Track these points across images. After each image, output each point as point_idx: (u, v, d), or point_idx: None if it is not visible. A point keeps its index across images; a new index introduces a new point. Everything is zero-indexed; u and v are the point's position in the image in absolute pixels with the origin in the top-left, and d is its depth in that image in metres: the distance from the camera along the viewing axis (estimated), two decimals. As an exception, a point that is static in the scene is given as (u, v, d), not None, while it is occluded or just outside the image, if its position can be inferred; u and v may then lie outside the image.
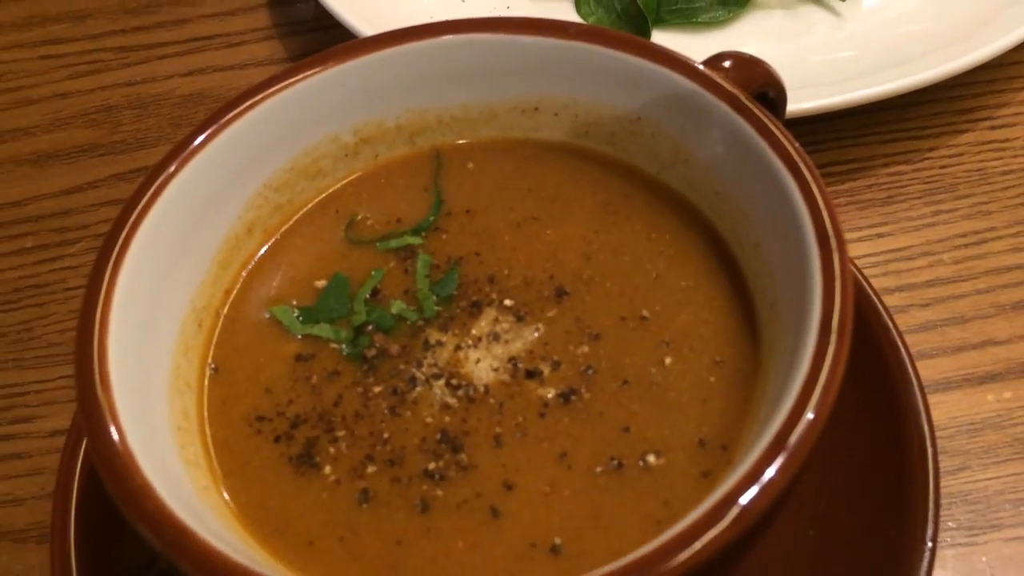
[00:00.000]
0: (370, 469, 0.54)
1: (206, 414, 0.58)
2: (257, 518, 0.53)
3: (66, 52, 1.10)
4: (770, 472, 0.44)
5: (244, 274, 0.63)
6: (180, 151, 0.59)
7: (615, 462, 0.53)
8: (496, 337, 0.59)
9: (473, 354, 0.58)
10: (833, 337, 0.48)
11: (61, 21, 1.13)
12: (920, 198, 0.88)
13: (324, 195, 0.67)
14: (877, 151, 0.92)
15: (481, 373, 0.57)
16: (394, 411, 0.56)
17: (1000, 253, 0.84)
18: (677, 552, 0.43)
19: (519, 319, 0.59)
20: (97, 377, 0.50)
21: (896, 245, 0.85)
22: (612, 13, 1.01)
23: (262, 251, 0.64)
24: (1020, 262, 0.83)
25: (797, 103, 0.84)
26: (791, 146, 0.55)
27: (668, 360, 0.57)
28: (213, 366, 0.60)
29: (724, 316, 0.58)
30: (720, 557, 0.44)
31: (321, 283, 0.63)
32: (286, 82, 0.62)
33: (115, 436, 0.48)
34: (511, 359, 0.57)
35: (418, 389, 0.57)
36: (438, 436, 0.55)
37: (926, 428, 0.63)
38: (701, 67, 0.60)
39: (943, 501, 0.71)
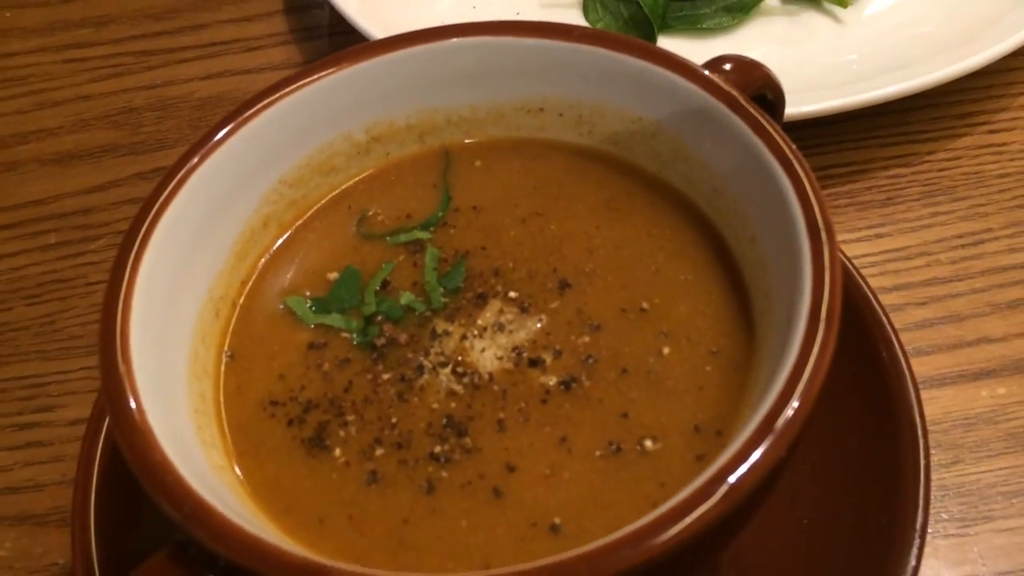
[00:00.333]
0: (378, 452, 0.56)
1: (222, 398, 0.59)
2: (270, 496, 0.55)
3: (89, 56, 1.12)
4: (758, 452, 0.46)
5: (260, 265, 0.65)
6: (200, 147, 0.60)
7: (613, 446, 0.55)
8: (501, 327, 0.60)
9: (478, 343, 0.60)
10: (822, 325, 0.49)
11: (84, 26, 1.15)
12: (918, 200, 0.90)
13: (337, 191, 0.68)
14: (877, 154, 0.93)
15: (486, 361, 0.59)
16: (402, 397, 0.58)
17: (996, 254, 0.85)
18: (669, 526, 0.44)
19: (523, 310, 0.61)
20: (120, 359, 0.52)
21: (894, 245, 0.87)
22: (619, 19, 1.03)
23: (277, 244, 0.66)
24: (1015, 262, 0.85)
25: (799, 106, 0.86)
26: (785, 145, 0.57)
27: (666, 350, 0.58)
28: (229, 353, 0.62)
29: (721, 308, 0.60)
30: (711, 533, 0.45)
31: (333, 275, 0.64)
32: (301, 82, 0.64)
33: (136, 414, 0.50)
34: (515, 348, 0.59)
35: (425, 376, 0.59)
36: (444, 421, 0.57)
37: (918, 419, 0.65)
38: (701, 69, 0.61)
39: (937, 493, 0.72)
